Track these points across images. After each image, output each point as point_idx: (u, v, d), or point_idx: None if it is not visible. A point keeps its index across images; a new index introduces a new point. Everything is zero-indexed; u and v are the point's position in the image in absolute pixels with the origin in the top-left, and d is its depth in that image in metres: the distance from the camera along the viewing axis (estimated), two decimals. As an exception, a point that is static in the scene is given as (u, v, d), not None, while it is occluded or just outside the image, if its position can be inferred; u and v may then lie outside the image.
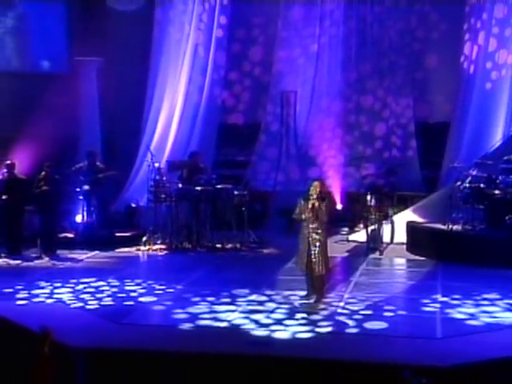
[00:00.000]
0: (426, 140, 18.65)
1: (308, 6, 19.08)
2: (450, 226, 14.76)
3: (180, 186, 15.77)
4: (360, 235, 16.36)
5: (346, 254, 15.49)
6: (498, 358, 9.02)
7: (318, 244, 11.21)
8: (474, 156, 16.72)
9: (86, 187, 16.02)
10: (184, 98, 18.43)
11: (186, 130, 18.39)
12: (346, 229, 17.20)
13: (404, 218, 16.55)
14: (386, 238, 16.12)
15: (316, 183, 11.30)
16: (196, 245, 15.64)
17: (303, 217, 11.26)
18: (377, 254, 15.19)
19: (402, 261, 15.04)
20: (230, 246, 15.64)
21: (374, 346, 9.49)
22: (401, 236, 15.91)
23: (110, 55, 18.29)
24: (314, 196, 11.19)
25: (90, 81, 18.20)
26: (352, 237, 16.56)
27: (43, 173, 15.01)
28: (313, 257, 11.21)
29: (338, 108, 19.01)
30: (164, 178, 15.91)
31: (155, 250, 15.55)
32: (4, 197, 14.85)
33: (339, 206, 17.91)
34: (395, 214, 16.80)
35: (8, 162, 15.16)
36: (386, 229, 16.21)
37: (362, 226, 16.31)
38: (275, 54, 19.32)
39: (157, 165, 16.01)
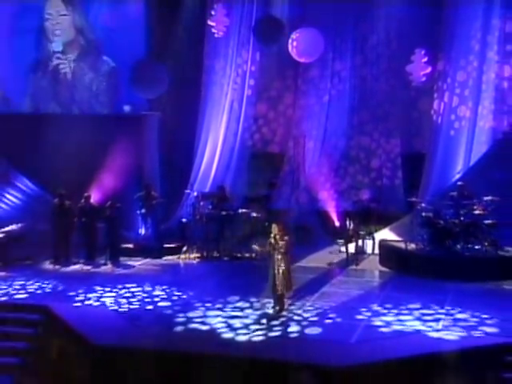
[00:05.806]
0: (410, 170, 19.66)
1: (322, 66, 20.45)
2: (407, 245, 15.90)
3: (208, 210, 17.29)
4: (350, 247, 17.06)
5: (333, 266, 16.24)
6: (386, 359, 9.89)
7: (281, 271, 12.20)
8: (440, 186, 17.92)
9: (143, 210, 17.51)
10: (223, 142, 19.95)
11: (224, 166, 19.85)
12: (342, 241, 18.25)
13: (384, 234, 17.57)
14: (370, 251, 17.41)
15: (274, 225, 12.39)
16: (222, 254, 17.10)
17: (269, 250, 12.40)
18: (354, 266, 16.28)
19: (370, 272, 15.63)
20: (247, 255, 16.94)
21: (299, 348, 10.30)
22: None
23: (168, 109, 19.87)
24: (273, 234, 12.31)
25: (152, 129, 19.54)
26: (343, 248, 17.57)
27: (109, 202, 16.80)
28: (277, 280, 12.25)
29: (343, 145, 20.35)
30: (201, 203, 17.62)
31: (191, 258, 17.03)
32: (83, 219, 16.73)
33: (337, 223, 19.26)
34: (377, 231, 18.14)
35: (86, 194, 16.89)
36: (369, 244, 17.61)
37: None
38: (297, 102, 20.91)
39: (195, 193, 17.75)
